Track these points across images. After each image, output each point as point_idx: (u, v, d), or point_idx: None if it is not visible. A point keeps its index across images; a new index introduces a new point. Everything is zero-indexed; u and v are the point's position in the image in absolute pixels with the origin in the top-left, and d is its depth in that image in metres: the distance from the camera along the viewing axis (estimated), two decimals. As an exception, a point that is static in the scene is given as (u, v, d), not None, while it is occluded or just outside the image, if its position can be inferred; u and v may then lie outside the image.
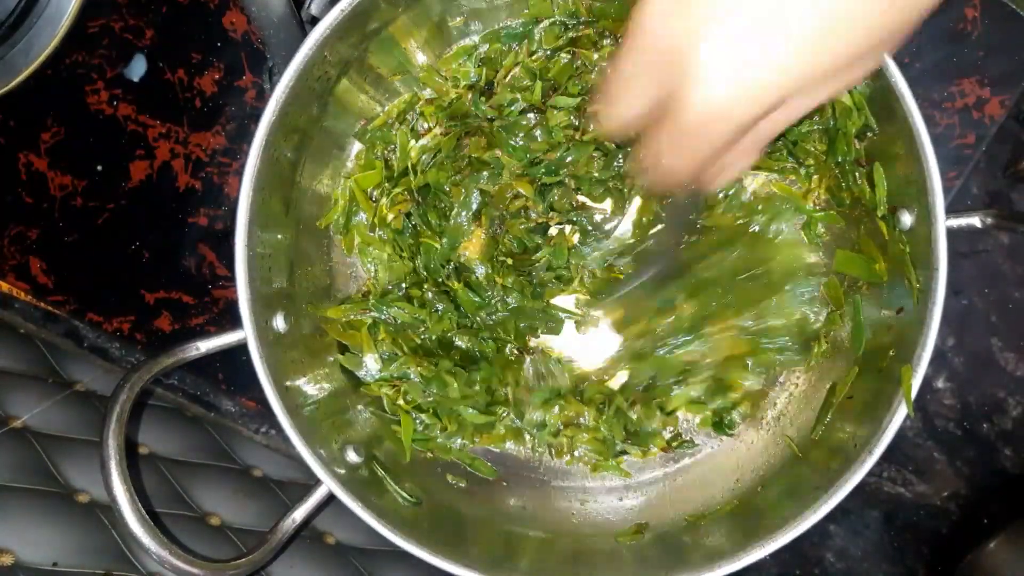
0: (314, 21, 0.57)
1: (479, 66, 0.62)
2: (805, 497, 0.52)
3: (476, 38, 0.62)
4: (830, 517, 0.50)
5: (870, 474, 0.50)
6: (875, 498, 0.68)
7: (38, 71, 0.64)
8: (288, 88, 0.52)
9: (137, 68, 0.70)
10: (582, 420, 0.64)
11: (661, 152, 0.37)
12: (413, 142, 0.63)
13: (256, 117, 0.52)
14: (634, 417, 0.62)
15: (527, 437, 0.65)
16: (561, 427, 0.64)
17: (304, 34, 0.57)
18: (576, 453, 0.65)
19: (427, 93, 0.63)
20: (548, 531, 0.61)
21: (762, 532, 0.52)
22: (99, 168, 0.71)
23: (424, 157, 0.62)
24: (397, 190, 0.62)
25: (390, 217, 0.63)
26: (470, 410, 0.62)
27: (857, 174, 0.56)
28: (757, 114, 0.33)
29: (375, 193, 0.63)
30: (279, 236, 0.57)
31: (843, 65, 0.33)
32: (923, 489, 0.68)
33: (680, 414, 0.64)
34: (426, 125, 0.64)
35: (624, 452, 0.64)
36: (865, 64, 0.34)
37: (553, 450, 0.65)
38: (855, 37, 0.32)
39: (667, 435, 0.64)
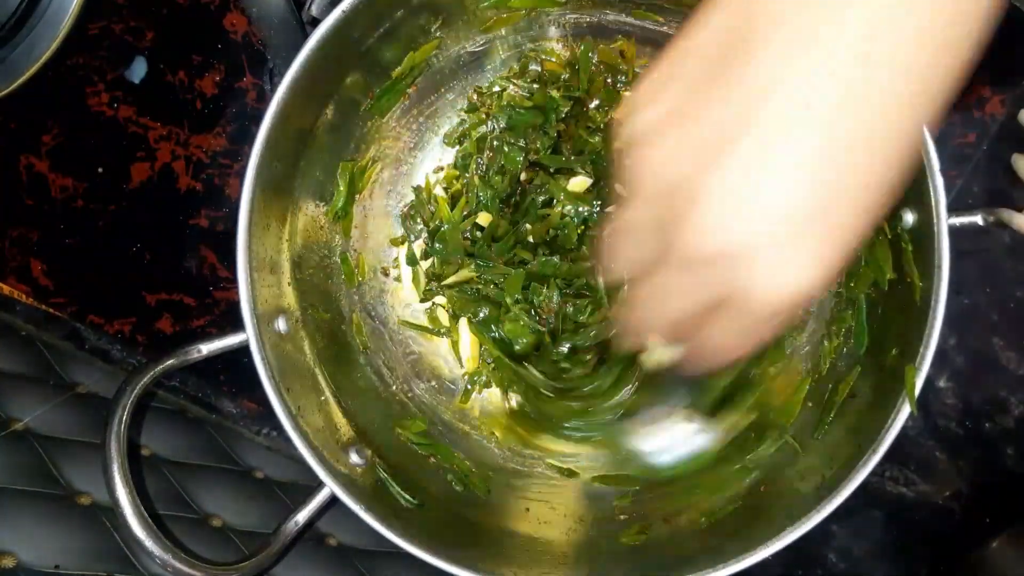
0: (315, 22, 0.57)
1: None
2: (807, 497, 0.52)
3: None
4: (832, 517, 0.50)
5: (872, 474, 0.50)
6: (877, 498, 0.68)
7: (39, 73, 0.64)
8: (289, 89, 0.52)
9: (138, 70, 0.70)
10: None
11: (715, 338, 0.36)
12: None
13: (257, 119, 0.52)
14: None
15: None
16: None
17: (305, 35, 0.57)
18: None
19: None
20: (550, 532, 0.61)
21: (765, 532, 0.52)
22: (100, 170, 0.71)
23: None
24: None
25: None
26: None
27: None
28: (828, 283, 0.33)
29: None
30: (281, 237, 0.57)
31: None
32: (925, 488, 0.68)
33: None
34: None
35: None
36: None
37: None
38: (879, 190, 0.32)
39: None
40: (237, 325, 0.53)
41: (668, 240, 0.33)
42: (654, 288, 0.36)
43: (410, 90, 0.63)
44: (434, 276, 0.66)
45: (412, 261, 0.66)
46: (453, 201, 0.65)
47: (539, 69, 0.65)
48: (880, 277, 0.56)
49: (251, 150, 0.52)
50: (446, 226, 0.64)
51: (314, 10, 0.58)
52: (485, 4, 0.60)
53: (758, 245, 0.31)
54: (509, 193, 0.65)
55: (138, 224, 0.71)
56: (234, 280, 0.52)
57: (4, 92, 0.64)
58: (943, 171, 0.48)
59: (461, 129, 0.66)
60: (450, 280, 0.64)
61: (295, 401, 0.54)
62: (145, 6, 0.69)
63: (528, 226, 0.64)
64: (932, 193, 0.49)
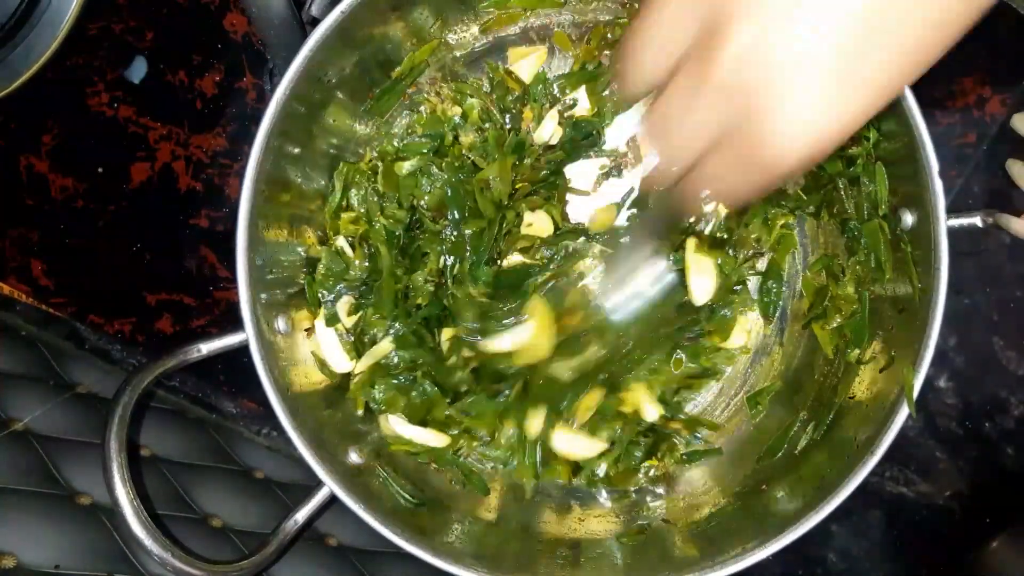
0: (315, 22, 0.57)
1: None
2: (807, 497, 0.52)
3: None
4: (832, 517, 0.50)
5: (872, 474, 0.50)
6: (877, 498, 0.68)
7: (39, 73, 0.64)
8: (289, 89, 0.52)
9: (138, 70, 0.70)
10: None
11: (722, 175, 0.36)
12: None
13: (257, 118, 0.52)
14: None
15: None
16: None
17: (305, 35, 0.57)
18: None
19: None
20: (550, 531, 0.61)
21: (764, 532, 0.52)
22: (100, 170, 0.71)
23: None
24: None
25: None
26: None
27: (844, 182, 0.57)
28: (835, 148, 0.33)
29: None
30: (281, 237, 0.57)
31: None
32: (925, 489, 0.68)
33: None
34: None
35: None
36: None
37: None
38: (911, 64, 0.32)
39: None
40: (237, 325, 0.53)
41: (696, 53, 0.33)
42: (671, 101, 0.35)
43: (410, 90, 0.63)
44: (362, 334, 0.62)
45: (333, 321, 0.60)
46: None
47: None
48: (880, 277, 0.56)
49: (251, 150, 0.52)
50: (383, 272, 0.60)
51: (314, 10, 0.58)
52: (485, 4, 0.60)
53: (784, 83, 0.31)
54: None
55: (138, 224, 0.71)
56: (234, 280, 0.52)
57: (4, 92, 0.64)
58: (943, 172, 0.48)
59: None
60: (373, 352, 0.60)
61: (295, 401, 0.54)
62: (145, 6, 0.69)
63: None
64: (931, 194, 0.49)
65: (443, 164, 0.61)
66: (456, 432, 0.61)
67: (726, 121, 0.34)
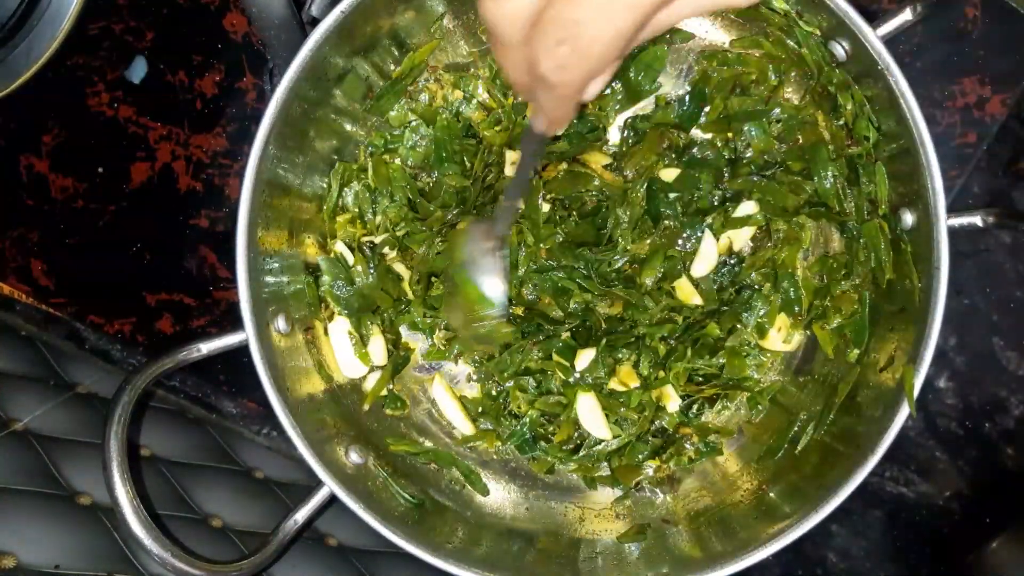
0: (315, 22, 0.57)
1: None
2: (807, 497, 0.52)
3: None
4: (832, 517, 0.50)
5: (872, 474, 0.50)
6: (877, 498, 0.68)
7: (39, 73, 0.64)
8: (289, 89, 0.52)
9: (138, 70, 0.70)
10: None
11: (548, 57, 0.37)
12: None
13: (257, 118, 0.52)
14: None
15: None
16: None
17: (305, 35, 0.57)
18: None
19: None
20: (550, 531, 0.61)
21: (764, 532, 0.52)
22: (100, 170, 0.71)
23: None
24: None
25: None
26: None
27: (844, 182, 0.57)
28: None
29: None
30: (281, 237, 0.57)
31: None
32: (925, 489, 0.68)
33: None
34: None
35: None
36: None
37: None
38: None
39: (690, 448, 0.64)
40: (237, 325, 0.53)
41: None
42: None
43: (410, 88, 0.63)
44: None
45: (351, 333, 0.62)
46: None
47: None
48: (879, 277, 0.56)
49: (251, 150, 0.52)
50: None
51: (314, 10, 0.58)
52: (485, 4, 0.60)
53: None
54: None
55: (138, 224, 0.71)
56: (234, 280, 0.52)
57: (4, 92, 0.64)
58: (943, 172, 0.48)
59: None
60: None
61: (295, 401, 0.54)
62: (145, 6, 0.69)
63: None
64: (931, 194, 0.49)
65: (434, 123, 0.62)
66: (485, 429, 0.64)
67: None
